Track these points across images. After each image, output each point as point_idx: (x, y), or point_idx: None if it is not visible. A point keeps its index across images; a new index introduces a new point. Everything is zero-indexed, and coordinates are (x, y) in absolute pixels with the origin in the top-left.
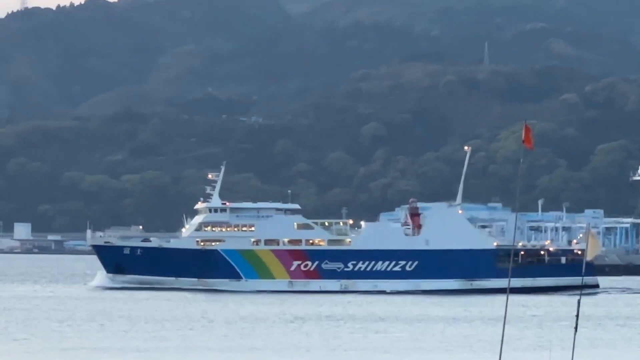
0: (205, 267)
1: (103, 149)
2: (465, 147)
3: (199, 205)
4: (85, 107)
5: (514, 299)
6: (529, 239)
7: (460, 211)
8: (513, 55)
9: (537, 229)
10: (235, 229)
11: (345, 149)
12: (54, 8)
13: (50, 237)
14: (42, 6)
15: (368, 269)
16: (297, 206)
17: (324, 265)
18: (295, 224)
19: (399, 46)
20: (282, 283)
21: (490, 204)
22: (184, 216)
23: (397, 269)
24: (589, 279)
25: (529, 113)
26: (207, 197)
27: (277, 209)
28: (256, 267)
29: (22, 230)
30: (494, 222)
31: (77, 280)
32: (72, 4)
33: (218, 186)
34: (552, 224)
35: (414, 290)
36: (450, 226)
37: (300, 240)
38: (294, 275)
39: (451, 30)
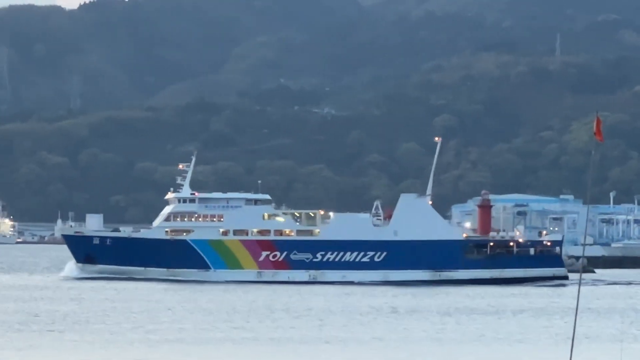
0: (174, 257)
1: (176, 139)
2: (436, 138)
3: (169, 196)
4: (158, 97)
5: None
6: (601, 232)
7: (430, 202)
8: (585, 46)
9: (608, 222)
10: (204, 219)
11: (417, 140)
12: None
13: (123, 228)
14: None
15: (337, 259)
16: (267, 196)
17: (292, 256)
18: (263, 214)
19: (471, 37)
20: (250, 273)
21: (561, 197)
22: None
23: (365, 259)
24: (558, 271)
25: (600, 104)
26: (177, 187)
27: (247, 200)
28: (225, 258)
29: (94, 221)
30: (566, 214)
31: None
32: None
33: (189, 176)
34: (623, 217)
35: (385, 281)
36: (419, 217)
37: (269, 231)
38: (263, 265)
39: (523, 21)
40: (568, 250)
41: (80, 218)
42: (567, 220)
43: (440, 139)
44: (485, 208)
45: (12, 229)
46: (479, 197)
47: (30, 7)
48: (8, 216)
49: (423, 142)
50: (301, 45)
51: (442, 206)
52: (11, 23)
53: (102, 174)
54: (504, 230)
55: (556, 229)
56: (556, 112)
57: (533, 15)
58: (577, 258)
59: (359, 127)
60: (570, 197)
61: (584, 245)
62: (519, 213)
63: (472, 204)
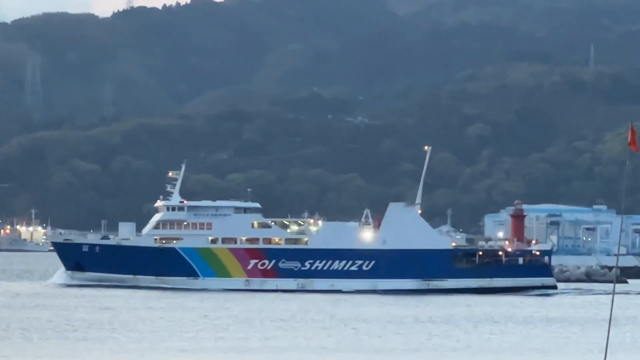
0: (163, 265)
1: (208, 147)
2: (425, 147)
3: (158, 204)
4: (190, 105)
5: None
6: (634, 242)
7: (419, 211)
8: (619, 56)
9: None
10: (193, 228)
11: (451, 150)
12: (160, 7)
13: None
14: (148, 5)
15: (325, 268)
16: (257, 205)
17: (280, 264)
18: (252, 222)
19: (505, 46)
20: (239, 281)
21: (594, 207)
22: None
23: (354, 268)
24: (547, 280)
25: (634, 114)
26: (167, 195)
27: (236, 208)
28: (213, 266)
29: (126, 229)
30: (599, 224)
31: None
32: (178, 3)
33: (178, 184)
34: None
35: (372, 290)
36: (407, 226)
37: (257, 239)
38: (251, 273)
39: (557, 30)
40: (601, 260)
41: (113, 226)
42: (600, 230)
43: (430, 147)
44: (518, 218)
45: (44, 237)
46: (512, 207)
47: (64, 15)
48: (41, 224)
49: (456, 152)
50: (334, 54)
51: (475, 215)
52: (44, 30)
53: (135, 182)
54: (490, 240)
55: (589, 239)
56: (590, 122)
57: (567, 25)
58: (610, 268)
59: (392, 136)
60: (604, 207)
61: (617, 255)
62: (552, 223)
63: (505, 214)
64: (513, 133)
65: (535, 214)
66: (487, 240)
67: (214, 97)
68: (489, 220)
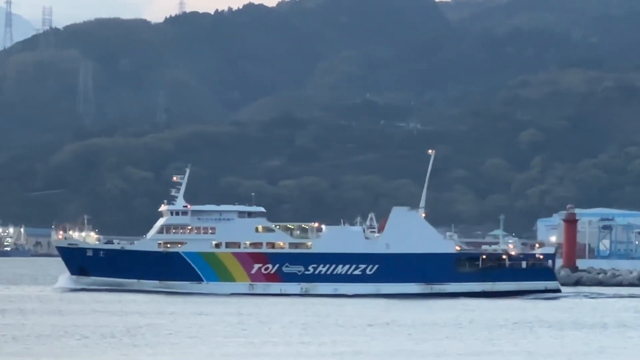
0: (167, 269)
1: (261, 154)
2: (429, 151)
3: (162, 208)
4: (243, 112)
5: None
6: None
7: (423, 215)
8: None
9: None
10: (197, 232)
11: (503, 155)
12: (212, 12)
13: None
14: (200, 11)
15: (328, 272)
16: (261, 209)
17: (284, 269)
18: (256, 227)
19: (558, 52)
20: (242, 286)
21: None
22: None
23: (357, 272)
24: (550, 284)
25: None
26: (171, 200)
27: (240, 212)
28: (217, 270)
29: None
30: None
31: None
32: (230, 9)
33: (183, 188)
34: None
35: (376, 294)
36: (411, 230)
37: (261, 243)
38: (255, 278)
39: (610, 36)
40: None
41: None
42: None
43: (434, 151)
44: (571, 222)
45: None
46: (565, 212)
47: (117, 21)
48: (93, 230)
49: (509, 158)
50: (387, 61)
51: (528, 220)
52: (97, 36)
53: (187, 189)
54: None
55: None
56: None
57: (620, 31)
58: None
59: (445, 142)
60: None
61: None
62: (604, 227)
63: (558, 219)
64: (565, 139)
65: (588, 218)
66: (541, 244)
67: (267, 103)
68: (541, 225)
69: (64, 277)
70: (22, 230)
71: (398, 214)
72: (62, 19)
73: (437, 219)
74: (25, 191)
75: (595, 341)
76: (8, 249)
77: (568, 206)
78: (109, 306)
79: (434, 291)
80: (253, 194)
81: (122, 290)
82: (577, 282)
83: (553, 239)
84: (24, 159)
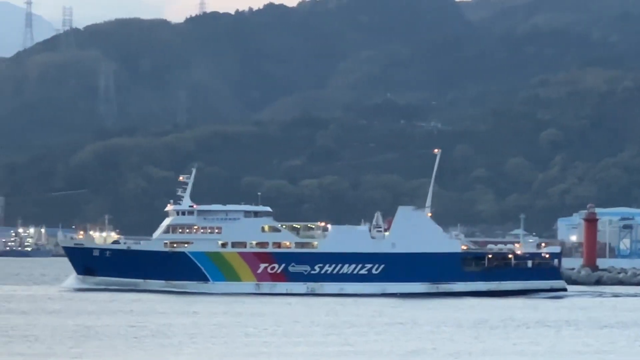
0: (173, 269)
1: (282, 154)
2: (435, 150)
3: (169, 208)
4: (263, 112)
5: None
6: None
7: (429, 214)
8: None
9: None
10: (203, 232)
11: (524, 155)
12: (233, 13)
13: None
14: (221, 11)
15: (334, 271)
16: (267, 208)
17: (290, 268)
18: (262, 226)
19: (578, 52)
20: (249, 285)
21: None
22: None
23: (363, 272)
24: (556, 283)
25: None
26: (177, 199)
27: (246, 212)
28: (223, 270)
29: None
30: None
31: None
32: (250, 9)
33: (189, 188)
34: None
35: (381, 293)
36: (417, 229)
37: (267, 243)
38: (261, 277)
39: (630, 36)
40: None
41: None
42: None
43: (440, 150)
44: (591, 221)
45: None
46: (585, 211)
47: (137, 21)
48: (114, 230)
49: (529, 157)
50: (407, 60)
51: (548, 220)
52: (117, 37)
53: (208, 188)
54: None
55: None
56: None
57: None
58: None
59: (466, 142)
60: None
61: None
62: (624, 227)
63: (578, 218)
64: (586, 138)
65: (608, 217)
66: (561, 244)
67: (287, 103)
68: (562, 224)
69: (71, 277)
70: (43, 230)
71: (404, 213)
72: (82, 20)
73: (458, 218)
74: (46, 191)
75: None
76: (29, 249)
77: (588, 205)
78: (128, 306)
79: (440, 290)
80: (259, 193)
81: (130, 290)
82: (598, 282)
83: (573, 238)
84: (45, 159)
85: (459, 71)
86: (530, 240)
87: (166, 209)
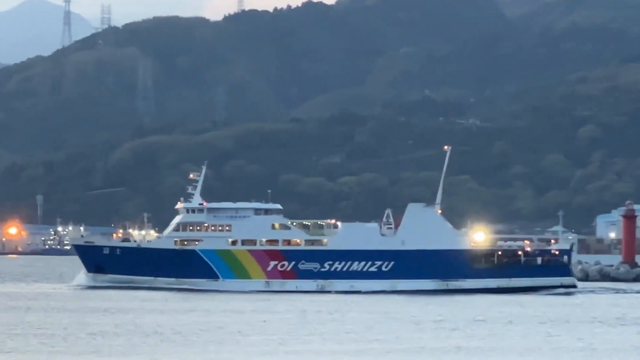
0: (183, 267)
1: (320, 151)
2: (445, 147)
3: (179, 205)
4: (302, 109)
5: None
6: None
7: (439, 211)
8: None
9: None
10: (213, 229)
11: (562, 152)
12: (271, 10)
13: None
14: (259, 8)
15: (344, 269)
16: (278, 206)
17: (300, 266)
18: (271, 224)
19: (616, 48)
20: (258, 283)
21: None
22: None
23: (373, 269)
24: (566, 279)
25: None
26: (188, 197)
27: (256, 209)
28: (233, 267)
29: None
30: None
31: None
32: (289, 7)
33: (199, 186)
34: None
35: (392, 291)
36: (426, 226)
37: (277, 241)
38: (271, 275)
39: None
40: None
41: None
42: None
43: (450, 147)
44: (630, 218)
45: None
46: (624, 208)
47: (175, 19)
48: (153, 228)
49: (568, 154)
50: (445, 57)
51: (587, 217)
52: (156, 35)
53: (247, 186)
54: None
55: None
56: None
57: None
58: None
59: (504, 138)
60: None
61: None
62: None
63: (617, 214)
64: (624, 134)
65: None
66: (599, 241)
67: (326, 100)
68: (600, 221)
69: (81, 275)
70: (81, 228)
71: (414, 210)
72: (120, 18)
73: (498, 215)
74: (84, 190)
75: None
76: (68, 247)
77: (627, 202)
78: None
79: (449, 287)
80: (269, 190)
81: (138, 288)
82: (636, 279)
83: (612, 235)
84: (83, 157)
85: (497, 68)
86: (569, 238)
87: (176, 206)
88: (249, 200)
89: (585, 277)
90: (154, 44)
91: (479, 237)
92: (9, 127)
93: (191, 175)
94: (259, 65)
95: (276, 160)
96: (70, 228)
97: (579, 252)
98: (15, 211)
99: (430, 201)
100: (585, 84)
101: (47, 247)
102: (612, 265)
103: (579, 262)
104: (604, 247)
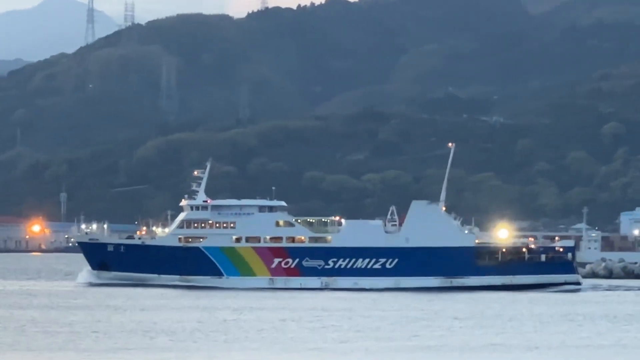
0: (187, 264)
1: (344, 148)
2: (449, 144)
3: (183, 203)
4: (326, 106)
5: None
6: None
7: (443, 208)
8: None
9: None
10: (217, 227)
11: (586, 148)
12: (295, 7)
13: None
14: (283, 6)
15: (348, 266)
16: (282, 203)
17: (304, 263)
18: (276, 221)
19: None
20: (263, 280)
21: None
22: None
23: (377, 266)
24: (570, 277)
25: None
26: (192, 194)
27: (260, 207)
28: (237, 264)
29: None
30: None
31: None
32: (312, 4)
33: (204, 183)
34: None
35: (396, 288)
36: (430, 223)
37: (281, 238)
38: (275, 272)
39: None
40: None
41: None
42: None
43: (454, 144)
44: None
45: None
46: None
47: (199, 16)
48: None
49: (592, 150)
50: (469, 54)
51: (611, 213)
52: (179, 32)
53: (271, 183)
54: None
55: None
56: None
57: None
58: None
59: (528, 136)
60: None
61: None
62: None
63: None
64: None
65: None
66: (623, 238)
67: (350, 98)
68: (625, 218)
69: (85, 272)
70: (105, 226)
71: (418, 207)
72: (144, 15)
73: (522, 213)
74: (108, 187)
75: None
76: None
77: None
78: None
79: (453, 285)
80: (274, 188)
81: (142, 285)
82: None
83: (636, 232)
84: (107, 155)
85: (520, 65)
86: (593, 235)
87: (180, 204)
88: (275, 198)
89: (609, 275)
90: (177, 41)
91: (502, 234)
92: (33, 125)
93: (195, 173)
94: (282, 63)
95: (300, 157)
96: (94, 226)
97: (603, 249)
98: (39, 209)
99: (452, 199)
100: (609, 81)
101: (70, 244)
102: (636, 263)
103: (603, 260)
104: (628, 245)
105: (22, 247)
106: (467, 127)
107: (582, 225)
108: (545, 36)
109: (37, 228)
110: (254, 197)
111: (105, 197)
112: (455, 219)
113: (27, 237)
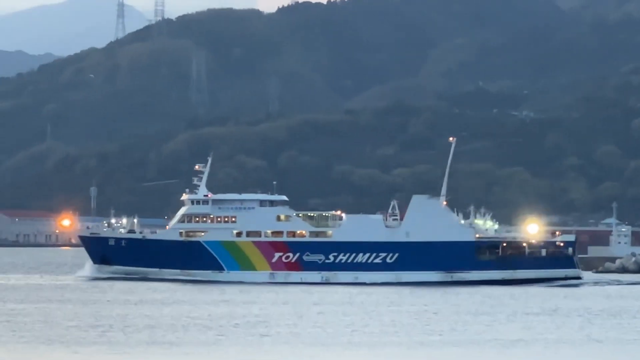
0: (188, 258)
1: (374, 142)
2: (450, 138)
3: (184, 197)
4: (356, 100)
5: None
6: None
7: (444, 203)
8: None
9: None
10: (218, 221)
11: (616, 143)
12: (324, 2)
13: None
14: (313, 0)
15: (349, 260)
16: (283, 197)
17: (305, 257)
18: (276, 215)
19: None
20: (263, 274)
21: None
22: (455, 211)
23: (377, 260)
24: (570, 271)
25: None
26: (194, 189)
27: (261, 201)
28: (238, 259)
29: None
30: None
31: None
32: None
33: (205, 177)
34: None
35: (397, 282)
36: (431, 218)
37: (282, 232)
38: (276, 266)
39: None
40: None
41: None
42: None
43: (455, 139)
44: None
45: None
46: None
47: (229, 11)
48: None
49: (621, 145)
50: (499, 48)
51: (638, 210)
52: (209, 26)
53: (300, 177)
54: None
55: None
56: None
57: None
58: None
59: (558, 130)
60: None
61: None
62: None
63: None
64: None
65: None
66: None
67: (379, 92)
68: None
69: (87, 266)
70: (135, 220)
71: (418, 202)
72: (174, 10)
73: (551, 207)
74: (138, 181)
75: None
76: None
77: None
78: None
79: (454, 279)
80: (275, 182)
81: (144, 279)
82: None
83: None
84: (137, 149)
85: (550, 59)
86: (623, 229)
87: (182, 198)
88: (305, 192)
89: (639, 270)
90: (207, 35)
91: (532, 229)
92: (63, 119)
93: (197, 167)
94: (312, 57)
95: (330, 151)
96: (124, 220)
97: (633, 244)
98: (69, 203)
99: (481, 193)
100: (638, 75)
101: None
102: None
103: (633, 254)
104: None
105: (52, 242)
106: (497, 122)
107: (612, 220)
108: (575, 30)
109: (67, 222)
110: (284, 191)
111: (135, 191)
112: (457, 213)
113: (57, 231)
